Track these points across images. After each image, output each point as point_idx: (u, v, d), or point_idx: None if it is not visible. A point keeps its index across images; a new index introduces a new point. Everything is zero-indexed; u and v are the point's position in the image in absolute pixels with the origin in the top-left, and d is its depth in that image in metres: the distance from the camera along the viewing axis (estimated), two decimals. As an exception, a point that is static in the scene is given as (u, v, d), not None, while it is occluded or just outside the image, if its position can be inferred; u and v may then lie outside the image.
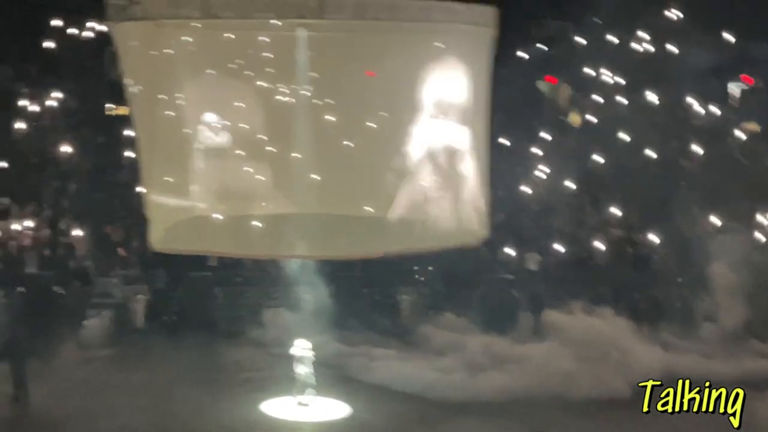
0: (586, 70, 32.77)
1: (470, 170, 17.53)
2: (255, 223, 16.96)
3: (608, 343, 19.11)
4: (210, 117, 16.71)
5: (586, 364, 18.46)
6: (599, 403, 18.10)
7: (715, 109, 31.42)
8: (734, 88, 32.50)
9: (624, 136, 30.01)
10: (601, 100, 32.16)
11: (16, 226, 25.21)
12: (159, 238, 17.03)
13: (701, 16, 29.07)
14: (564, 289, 22.92)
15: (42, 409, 17.69)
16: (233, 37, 16.42)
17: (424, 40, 16.86)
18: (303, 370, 17.94)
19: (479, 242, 18.71)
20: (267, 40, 16.43)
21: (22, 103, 30.15)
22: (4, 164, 27.74)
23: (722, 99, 31.87)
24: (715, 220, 25.68)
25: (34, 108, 30.19)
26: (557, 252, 25.59)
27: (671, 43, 32.26)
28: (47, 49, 32.48)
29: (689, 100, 31.55)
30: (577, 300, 21.21)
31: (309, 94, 16.58)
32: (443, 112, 17.17)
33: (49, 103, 30.58)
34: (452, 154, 17.40)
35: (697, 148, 29.53)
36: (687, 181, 28.44)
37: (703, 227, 25.51)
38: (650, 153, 29.44)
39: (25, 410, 17.84)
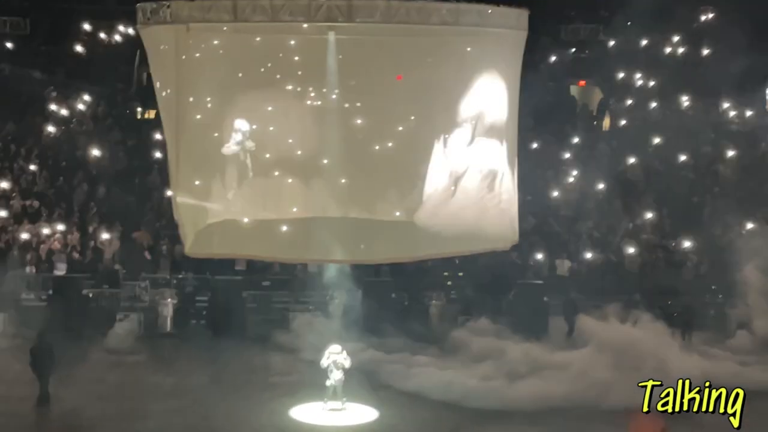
0: (618, 73, 32.59)
1: (500, 174, 17.34)
2: (284, 227, 16.87)
3: (644, 351, 18.83)
4: (239, 121, 16.62)
5: (623, 371, 18.19)
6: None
7: (749, 114, 31.12)
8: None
9: (657, 141, 29.76)
10: (633, 103, 31.96)
11: (46, 230, 25.29)
12: (189, 241, 16.95)
13: (736, 19, 28.76)
14: (597, 295, 22.65)
15: (71, 411, 17.67)
16: (263, 41, 16.36)
17: (455, 43, 16.69)
18: (334, 376, 17.78)
19: (509, 247, 18.54)
20: (296, 43, 16.37)
21: (52, 107, 30.35)
22: (34, 167, 27.88)
23: (757, 104, 31.54)
24: (749, 224, 25.37)
25: (64, 112, 30.38)
26: (588, 257, 25.34)
27: (705, 47, 32.01)
28: (77, 54, 32.75)
29: (724, 104, 31.30)
30: (611, 306, 20.94)
31: (339, 97, 16.50)
32: (474, 116, 16.99)
33: (79, 106, 30.77)
34: (482, 158, 17.20)
35: (731, 153, 29.22)
36: (721, 186, 28.14)
37: (738, 232, 25.21)
38: (683, 157, 29.16)
39: (48, 412, 17.84)
